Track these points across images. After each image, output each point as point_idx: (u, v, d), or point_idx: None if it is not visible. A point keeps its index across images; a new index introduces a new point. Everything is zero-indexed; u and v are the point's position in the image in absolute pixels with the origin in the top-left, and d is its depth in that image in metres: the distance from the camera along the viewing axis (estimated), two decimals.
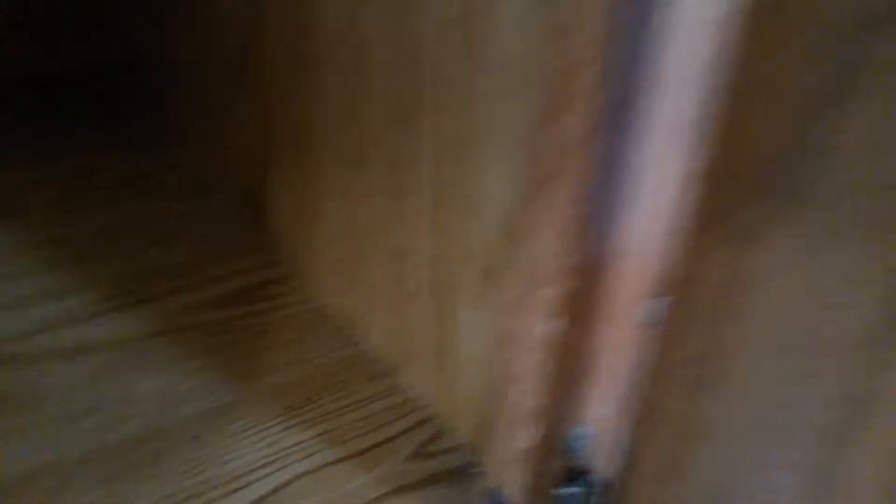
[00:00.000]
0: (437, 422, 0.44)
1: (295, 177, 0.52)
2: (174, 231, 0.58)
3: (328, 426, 0.43)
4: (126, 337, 0.47)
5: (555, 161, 0.30)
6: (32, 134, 0.69)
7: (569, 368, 0.33)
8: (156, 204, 0.61)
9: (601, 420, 0.33)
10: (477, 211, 0.37)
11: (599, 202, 0.30)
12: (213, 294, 0.52)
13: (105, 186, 0.63)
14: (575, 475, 0.34)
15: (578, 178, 0.29)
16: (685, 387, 0.29)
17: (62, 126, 0.71)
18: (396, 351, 0.47)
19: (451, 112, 0.37)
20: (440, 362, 0.43)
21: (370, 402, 0.45)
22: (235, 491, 0.38)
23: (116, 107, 0.75)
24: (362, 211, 0.45)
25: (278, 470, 0.40)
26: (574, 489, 0.34)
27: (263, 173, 0.57)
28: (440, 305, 0.41)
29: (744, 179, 0.26)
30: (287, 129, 0.51)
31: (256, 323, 0.50)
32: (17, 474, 0.37)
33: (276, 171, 0.55)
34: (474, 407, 0.42)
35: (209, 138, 0.64)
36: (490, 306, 0.37)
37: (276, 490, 0.38)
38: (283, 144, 0.52)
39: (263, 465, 0.40)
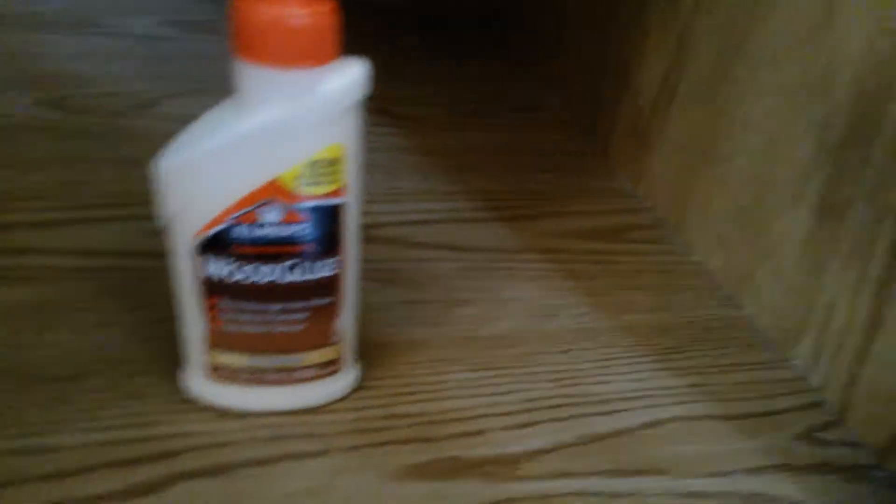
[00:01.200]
0: (830, 410, 0.38)
1: (675, 138, 0.49)
2: (544, 162, 0.58)
3: (702, 380, 0.39)
4: (494, 246, 0.48)
5: None
6: (432, 58, 0.74)
7: None
8: (529, 135, 0.62)
9: None
10: None
11: None
12: (579, 226, 0.51)
13: (485, 114, 0.65)
14: None
15: None
16: None
17: (457, 56, 0.76)
18: (787, 323, 0.41)
19: None
20: (844, 343, 0.37)
21: (750, 369, 0.40)
22: (606, 414, 0.36)
23: (507, 47, 0.79)
24: (762, 170, 0.41)
25: (649, 407, 0.37)
26: None
27: (641, 129, 0.54)
28: (860, 281, 0.35)
29: None
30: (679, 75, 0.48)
31: (624, 262, 0.48)
32: (387, 342, 0.38)
33: (656, 130, 0.52)
34: (885, 410, 0.35)
35: (587, 84, 0.64)
36: None
37: (646, 426, 0.35)
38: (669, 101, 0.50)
39: (634, 398, 0.37)
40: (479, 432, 0.34)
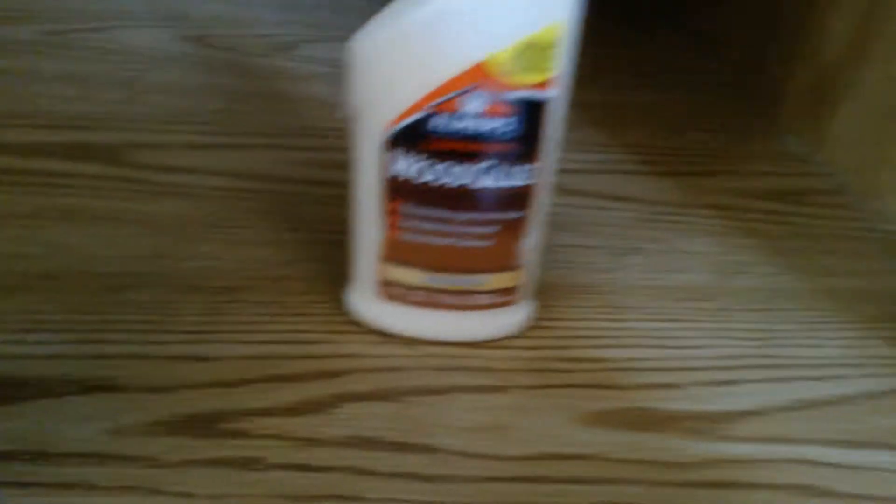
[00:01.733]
0: None
1: (867, 98, 0.44)
2: (704, 122, 0.52)
3: None
4: (661, 199, 0.43)
5: None
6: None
7: None
8: (686, 95, 0.56)
9: None
10: None
11: None
12: (754, 185, 0.45)
13: (639, 73, 0.60)
14: None
15: None
16: None
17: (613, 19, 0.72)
18: None
19: None
20: None
21: None
22: (819, 380, 0.31)
23: (665, 8, 0.74)
24: None
25: (868, 376, 0.31)
26: None
27: (821, 90, 0.48)
28: None
29: None
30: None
31: (810, 224, 0.42)
32: (556, 283, 0.34)
33: (840, 90, 0.46)
34: None
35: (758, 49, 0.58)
36: None
37: (869, 396, 0.30)
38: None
39: (850, 365, 0.32)
40: (674, 385, 0.30)
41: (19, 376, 0.26)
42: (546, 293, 0.33)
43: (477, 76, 0.24)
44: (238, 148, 0.42)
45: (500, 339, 0.31)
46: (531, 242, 0.28)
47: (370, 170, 0.26)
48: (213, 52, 0.53)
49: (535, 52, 0.24)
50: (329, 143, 0.44)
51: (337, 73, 0.57)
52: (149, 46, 0.52)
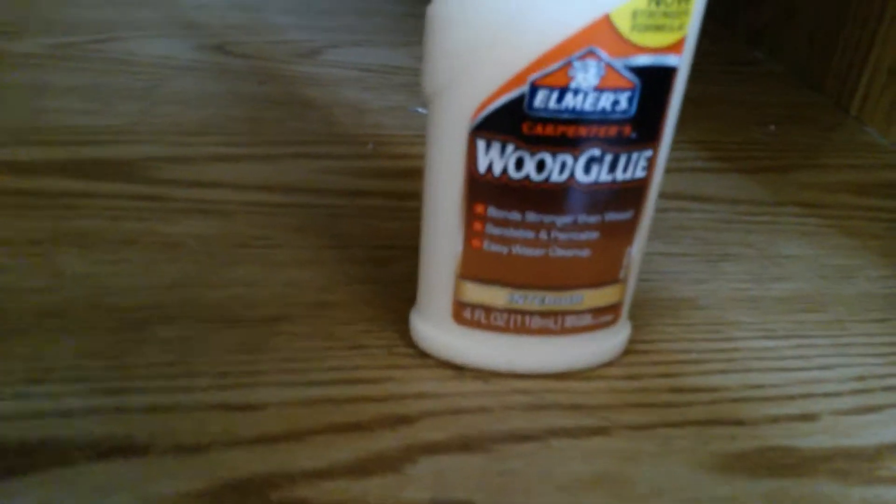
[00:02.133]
0: None
1: None
2: (766, 115, 0.48)
3: None
4: (744, 198, 0.37)
5: None
6: None
7: None
8: (741, 88, 0.52)
9: None
10: None
11: None
12: (843, 179, 0.41)
13: (700, 64, 0.56)
14: None
15: None
16: None
17: None
18: None
19: None
20: None
21: None
22: None
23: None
24: None
25: None
26: None
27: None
28: None
29: None
30: None
31: None
32: (647, 298, 0.29)
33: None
34: None
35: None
36: None
37: None
38: None
39: None
40: (809, 416, 0.25)
41: (24, 440, 0.21)
42: (636, 310, 0.28)
43: (594, 37, 0.19)
44: (266, 159, 0.37)
45: (593, 369, 0.26)
46: (637, 249, 0.23)
47: (451, 165, 0.21)
48: (232, 60, 0.48)
49: (669, 3, 0.19)
50: (368, 151, 0.39)
51: (368, 77, 0.52)
52: (165, 55, 0.48)
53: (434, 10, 0.20)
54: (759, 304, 0.30)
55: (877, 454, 0.24)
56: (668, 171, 0.42)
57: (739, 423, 0.24)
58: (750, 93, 0.52)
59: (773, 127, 0.47)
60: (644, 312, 0.29)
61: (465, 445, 0.22)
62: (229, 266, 0.29)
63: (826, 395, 0.26)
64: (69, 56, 0.47)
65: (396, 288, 0.29)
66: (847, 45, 0.50)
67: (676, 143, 0.46)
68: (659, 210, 0.36)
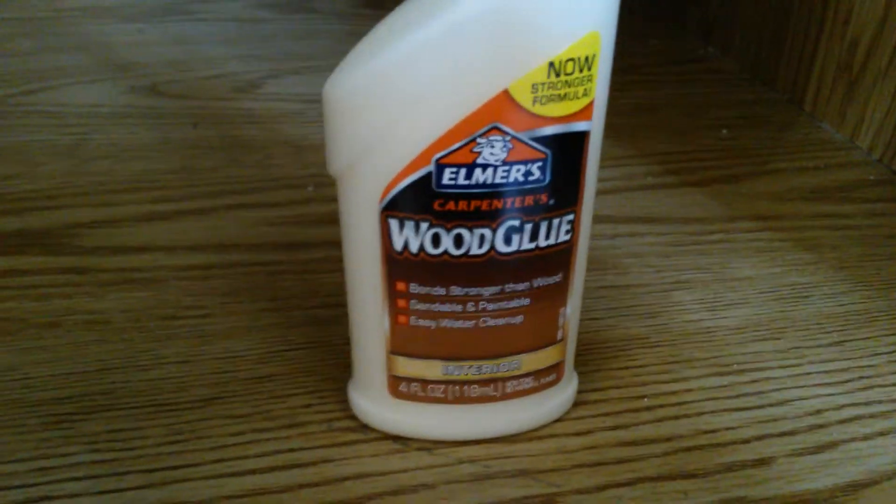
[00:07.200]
0: None
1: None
2: (720, 116, 0.47)
3: None
4: (696, 215, 0.37)
5: None
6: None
7: None
8: (693, 88, 0.51)
9: None
10: None
11: None
12: (796, 185, 0.40)
13: (637, 70, 0.54)
14: None
15: None
16: None
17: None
18: None
19: None
20: None
21: None
22: None
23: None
24: None
25: None
26: None
27: (857, 69, 0.42)
28: None
29: None
30: None
31: (866, 225, 0.36)
32: (596, 339, 0.29)
33: (876, 68, 0.42)
34: None
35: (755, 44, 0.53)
36: None
37: None
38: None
39: None
40: (765, 461, 0.24)
41: None
42: (586, 354, 0.28)
43: (496, 111, 0.18)
44: (199, 214, 0.36)
45: (541, 428, 0.25)
46: (572, 308, 0.23)
47: (366, 245, 0.20)
48: (166, 102, 0.46)
49: (570, 70, 0.18)
50: (308, 194, 0.38)
51: (308, 109, 0.49)
52: (95, 104, 0.46)
53: (330, 94, 0.19)
54: (713, 336, 0.29)
55: (831, 497, 0.23)
56: (618, 191, 0.42)
57: (692, 475, 0.23)
58: (701, 94, 0.51)
59: (724, 131, 0.46)
60: (594, 357, 0.28)
61: None
62: (160, 342, 0.28)
63: (782, 434, 0.25)
64: None
65: (338, 352, 0.28)
66: (795, 39, 0.50)
67: (627, 159, 0.46)
68: (609, 237, 0.36)
